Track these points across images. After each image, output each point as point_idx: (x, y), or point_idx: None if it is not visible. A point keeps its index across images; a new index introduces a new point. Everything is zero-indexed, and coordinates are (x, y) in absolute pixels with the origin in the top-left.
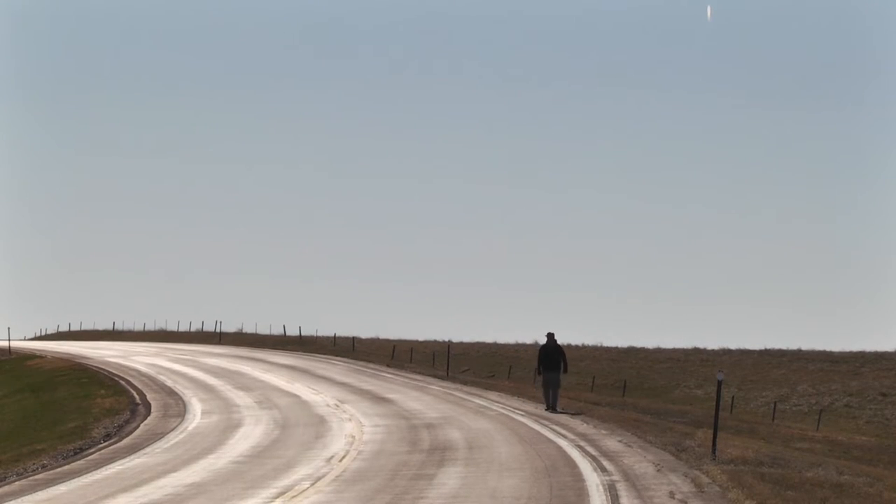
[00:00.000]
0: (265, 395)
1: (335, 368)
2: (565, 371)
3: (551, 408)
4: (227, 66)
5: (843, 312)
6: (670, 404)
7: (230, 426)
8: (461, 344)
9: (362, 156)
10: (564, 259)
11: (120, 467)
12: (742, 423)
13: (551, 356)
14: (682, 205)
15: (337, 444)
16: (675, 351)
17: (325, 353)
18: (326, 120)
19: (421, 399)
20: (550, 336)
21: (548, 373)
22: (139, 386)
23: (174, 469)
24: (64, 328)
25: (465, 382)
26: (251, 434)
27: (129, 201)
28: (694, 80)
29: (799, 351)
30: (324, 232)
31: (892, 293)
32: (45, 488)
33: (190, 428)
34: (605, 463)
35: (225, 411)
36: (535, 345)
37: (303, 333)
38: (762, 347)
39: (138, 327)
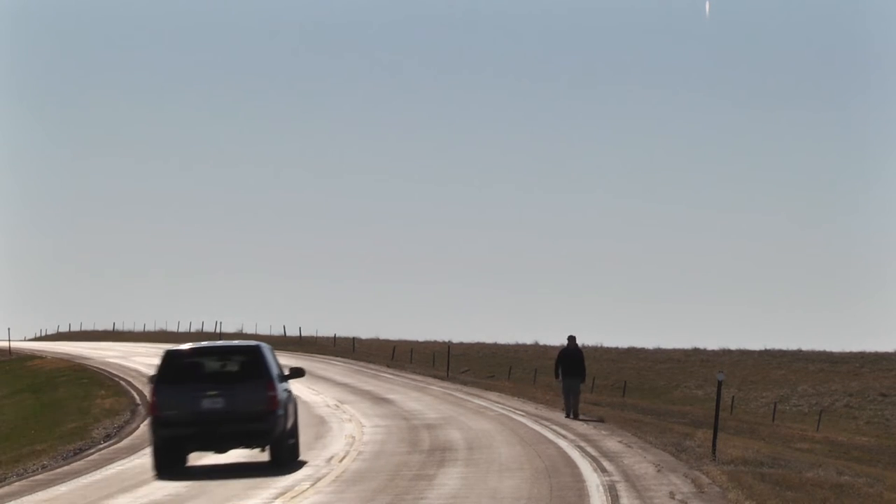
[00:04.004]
0: None
1: (335, 369)
2: (583, 379)
3: (573, 415)
4: (228, 67)
5: (844, 313)
6: (670, 405)
7: None
8: (461, 344)
9: (362, 156)
10: (564, 260)
11: (120, 468)
12: (742, 423)
13: (572, 360)
14: (682, 205)
15: (337, 444)
16: (675, 351)
17: (325, 354)
18: (326, 120)
19: (421, 399)
20: (572, 339)
21: (568, 378)
22: (139, 386)
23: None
24: (64, 329)
25: (465, 383)
26: None
27: (129, 202)
28: (693, 79)
29: (799, 351)
30: (324, 232)
31: (892, 293)
32: (45, 489)
33: None
34: (606, 463)
35: None
36: (535, 345)
37: (303, 334)
38: (762, 348)
39: (138, 328)
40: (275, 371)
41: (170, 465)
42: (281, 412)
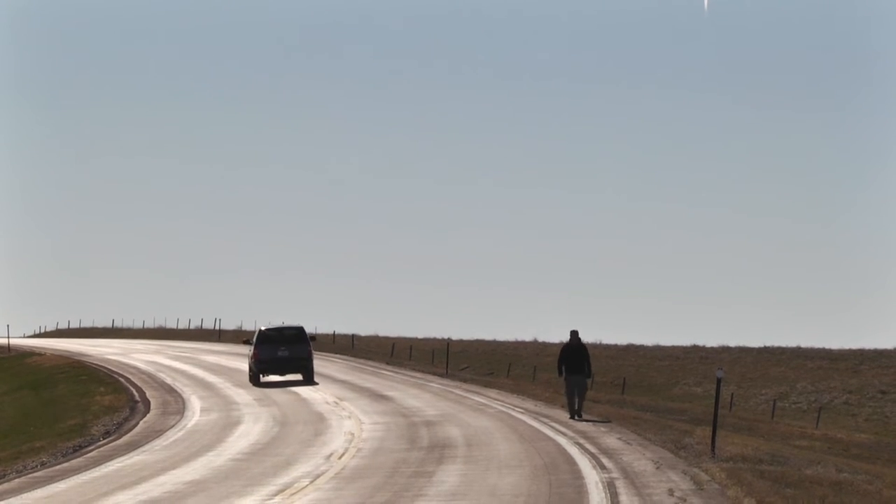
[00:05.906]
0: (264, 393)
1: (334, 366)
2: (589, 375)
3: (577, 415)
4: (228, 66)
5: (843, 310)
6: (669, 402)
7: (229, 424)
8: (460, 341)
9: (362, 155)
10: (564, 257)
11: (119, 465)
12: (741, 420)
13: (575, 356)
14: (682, 203)
15: (336, 441)
16: (674, 348)
17: (324, 351)
18: (326, 120)
19: (420, 396)
20: (574, 334)
21: (572, 375)
22: (138, 383)
23: (173, 466)
24: (63, 325)
25: (464, 380)
26: (250, 431)
27: (129, 201)
28: (691, 77)
29: (798, 348)
30: (323, 231)
31: (892, 292)
32: (44, 486)
33: (189, 425)
34: (605, 460)
35: (224, 409)
36: (535, 342)
37: None
38: (761, 345)
39: (138, 325)
40: (308, 338)
41: (258, 381)
42: (312, 358)
